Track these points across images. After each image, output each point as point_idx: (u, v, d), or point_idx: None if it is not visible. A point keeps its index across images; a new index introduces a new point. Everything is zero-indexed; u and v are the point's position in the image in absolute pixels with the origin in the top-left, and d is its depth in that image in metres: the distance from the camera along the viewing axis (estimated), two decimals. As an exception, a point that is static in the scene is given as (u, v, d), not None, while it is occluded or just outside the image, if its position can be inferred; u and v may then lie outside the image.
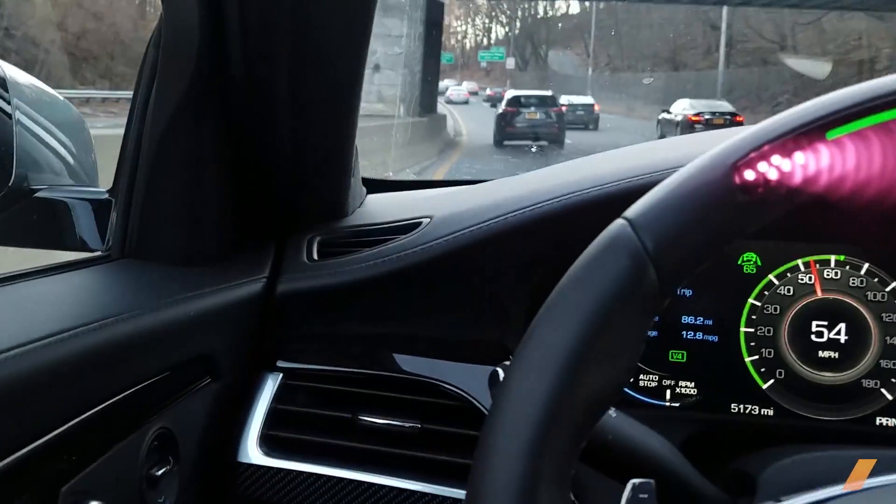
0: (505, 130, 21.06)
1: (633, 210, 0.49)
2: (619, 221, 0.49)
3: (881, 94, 0.48)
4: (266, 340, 1.01)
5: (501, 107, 22.11)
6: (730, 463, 0.79)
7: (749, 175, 0.48)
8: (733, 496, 0.70)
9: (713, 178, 0.48)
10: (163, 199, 0.96)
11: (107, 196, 0.98)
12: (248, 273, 1.00)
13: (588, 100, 31.01)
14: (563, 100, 27.95)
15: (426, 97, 23.15)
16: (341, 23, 0.98)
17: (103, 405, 0.76)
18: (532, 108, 21.40)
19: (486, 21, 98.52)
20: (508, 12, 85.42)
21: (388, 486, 0.93)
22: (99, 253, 0.98)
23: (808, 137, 0.48)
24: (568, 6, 77.69)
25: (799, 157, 0.48)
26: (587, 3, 65.77)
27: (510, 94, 23.76)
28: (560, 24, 75.39)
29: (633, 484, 0.55)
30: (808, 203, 0.49)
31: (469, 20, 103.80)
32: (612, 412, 0.63)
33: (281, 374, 1.00)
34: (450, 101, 42.71)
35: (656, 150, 1.12)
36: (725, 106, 25.75)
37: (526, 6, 79.38)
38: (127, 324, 0.79)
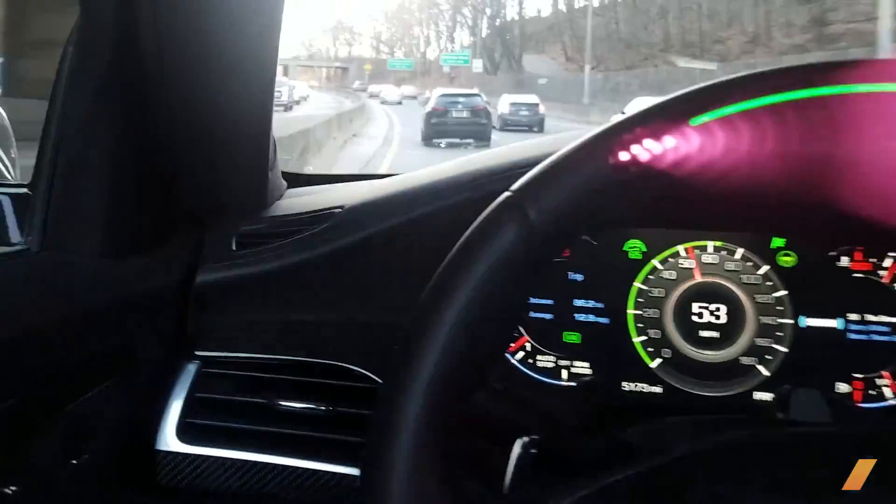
0: (433, 128, 20.98)
1: (518, 184, 0.54)
2: (505, 194, 0.54)
3: (744, 85, 0.53)
4: (184, 330, 1.04)
5: (429, 105, 22.01)
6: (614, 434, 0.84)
7: (623, 156, 0.52)
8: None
9: (589, 156, 0.53)
10: (81, 193, 0.97)
11: (26, 190, 1.00)
12: (167, 264, 1.02)
13: (532, 99, 29.18)
14: (507, 98, 27.81)
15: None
16: (252, 9, 1.02)
17: (18, 396, 0.77)
18: (460, 106, 21.45)
19: (450, 25, 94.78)
20: (471, 14, 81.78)
21: (302, 468, 0.95)
22: (19, 247, 0.99)
23: (675, 122, 0.52)
24: (538, 10, 73.81)
25: (668, 140, 0.52)
26: (561, 6, 62.70)
27: (437, 92, 23.69)
28: (531, 27, 71.86)
29: (523, 441, 0.60)
30: (679, 185, 0.54)
31: (432, 25, 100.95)
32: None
33: (199, 363, 1.02)
34: (384, 102, 50.49)
35: (556, 141, 1.18)
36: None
37: (493, 8, 75.50)
38: (42, 314, 0.81)
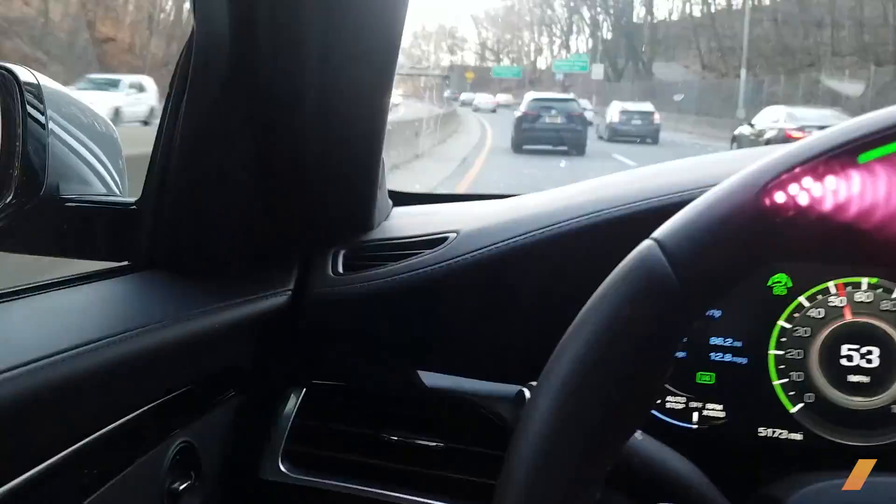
0: (523, 134, 20.25)
1: (662, 230, 0.49)
2: (647, 242, 0.49)
3: None
4: (292, 354, 1.01)
5: (521, 109, 21.27)
6: (757, 488, 0.78)
7: (779, 197, 0.47)
8: None
9: (743, 199, 0.48)
10: (190, 210, 0.97)
11: (134, 206, 0.99)
12: (274, 285, 1.00)
13: (647, 107, 26.91)
14: (617, 106, 26.33)
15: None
16: (371, 28, 0.98)
17: (126, 418, 0.76)
18: (553, 112, 20.55)
19: (565, 29, 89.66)
20: (591, 16, 76.23)
21: (409, 500, 0.92)
22: (126, 263, 0.98)
23: (839, 160, 0.47)
24: (669, 12, 66.42)
25: (830, 181, 0.47)
26: (694, 10, 57.31)
27: (529, 96, 22.86)
28: (660, 31, 65.46)
29: None
30: (838, 230, 0.48)
31: (544, 28, 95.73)
32: (638, 434, 0.62)
33: (305, 389, 1.00)
34: (476, 109, 50.05)
35: (684, 169, 1.11)
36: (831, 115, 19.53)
37: (618, 6, 69.51)
38: (151, 335, 0.79)
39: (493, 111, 49.61)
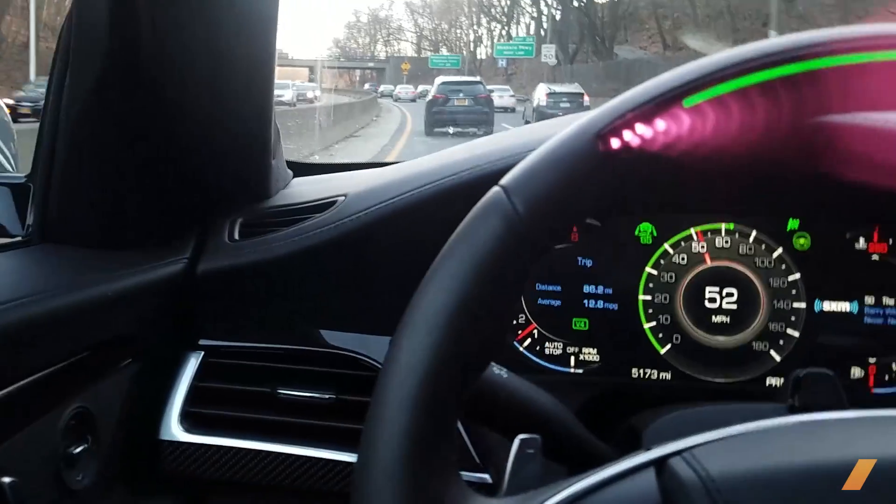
0: (434, 117, 20.95)
1: (507, 177, 0.53)
2: (494, 188, 0.53)
3: (736, 63, 0.51)
4: (188, 320, 1.03)
5: (431, 94, 21.79)
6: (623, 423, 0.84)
7: (613, 143, 0.51)
8: (620, 451, 0.74)
9: (579, 145, 0.51)
10: (81, 183, 0.97)
11: (25, 181, 0.99)
12: (169, 254, 1.01)
13: (575, 88, 26.88)
14: (543, 89, 26.38)
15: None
16: (251, 2, 1.00)
17: (18, 385, 0.77)
18: (461, 95, 21.38)
19: (506, 11, 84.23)
20: None
21: (305, 457, 0.95)
22: (19, 238, 0.98)
23: (667, 105, 0.50)
24: None
25: (660, 123, 0.51)
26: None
27: (439, 80, 23.25)
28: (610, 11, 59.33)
29: (521, 439, 0.59)
30: (669, 169, 0.53)
31: (482, 15, 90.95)
32: (503, 372, 0.66)
33: (203, 353, 1.01)
34: (397, 99, 53.08)
35: (562, 123, 1.15)
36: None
37: None
38: (43, 304, 0.80)
39: (414, 101, 49.55)
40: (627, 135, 0.51)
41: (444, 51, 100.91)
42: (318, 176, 1.34)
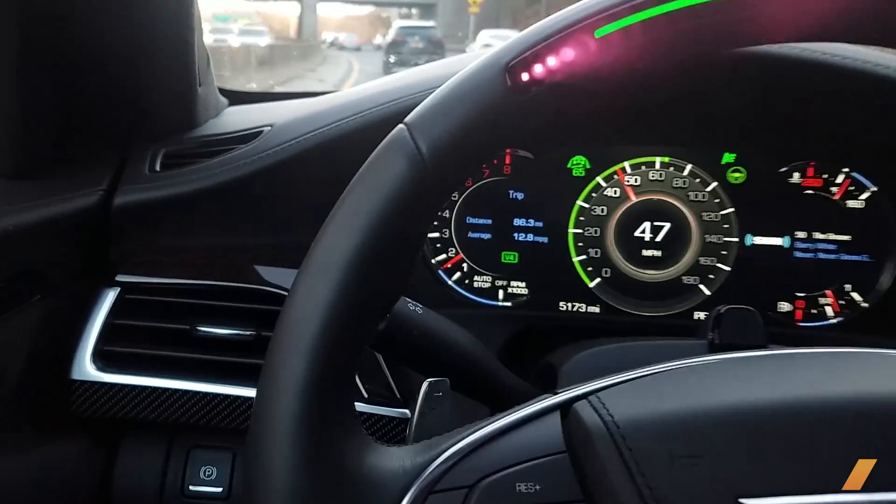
0: (392, 58, 23.15)
1: (412, 114, 0.50)
2: (399, 126, 0.50)
3: None
4: (103, 254, 0.98)
5: (389, 36, 24.04)
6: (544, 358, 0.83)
7: (523, 76, 0.49)
8: (541, 389, 0.73)
9: (487, 78, 0.49)
10: None
11: None
12: (84, 185, 0.96)
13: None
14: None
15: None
16: None
17: None
18: (416, 38, 24.10)
19: None
20: None
21: (223, 395, 0.92)
22: None
23: (578, 36, 0.48)
24: None
25: (568, 54, 0.48)
26: None
27: (397, 24, 25.64)
28: None
29: (429, 382, 0.57)
30: (583, 101, 0.51)
31: None
32: (418, 308, 0.64)
33: (119, 289, 0.97)
34: (341, 48, 50.04)
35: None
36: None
37: None
38: None
39: (359, 49, 48.25)
40: (537, 68, 0.49)
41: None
42: (253, 105, 1.29)
